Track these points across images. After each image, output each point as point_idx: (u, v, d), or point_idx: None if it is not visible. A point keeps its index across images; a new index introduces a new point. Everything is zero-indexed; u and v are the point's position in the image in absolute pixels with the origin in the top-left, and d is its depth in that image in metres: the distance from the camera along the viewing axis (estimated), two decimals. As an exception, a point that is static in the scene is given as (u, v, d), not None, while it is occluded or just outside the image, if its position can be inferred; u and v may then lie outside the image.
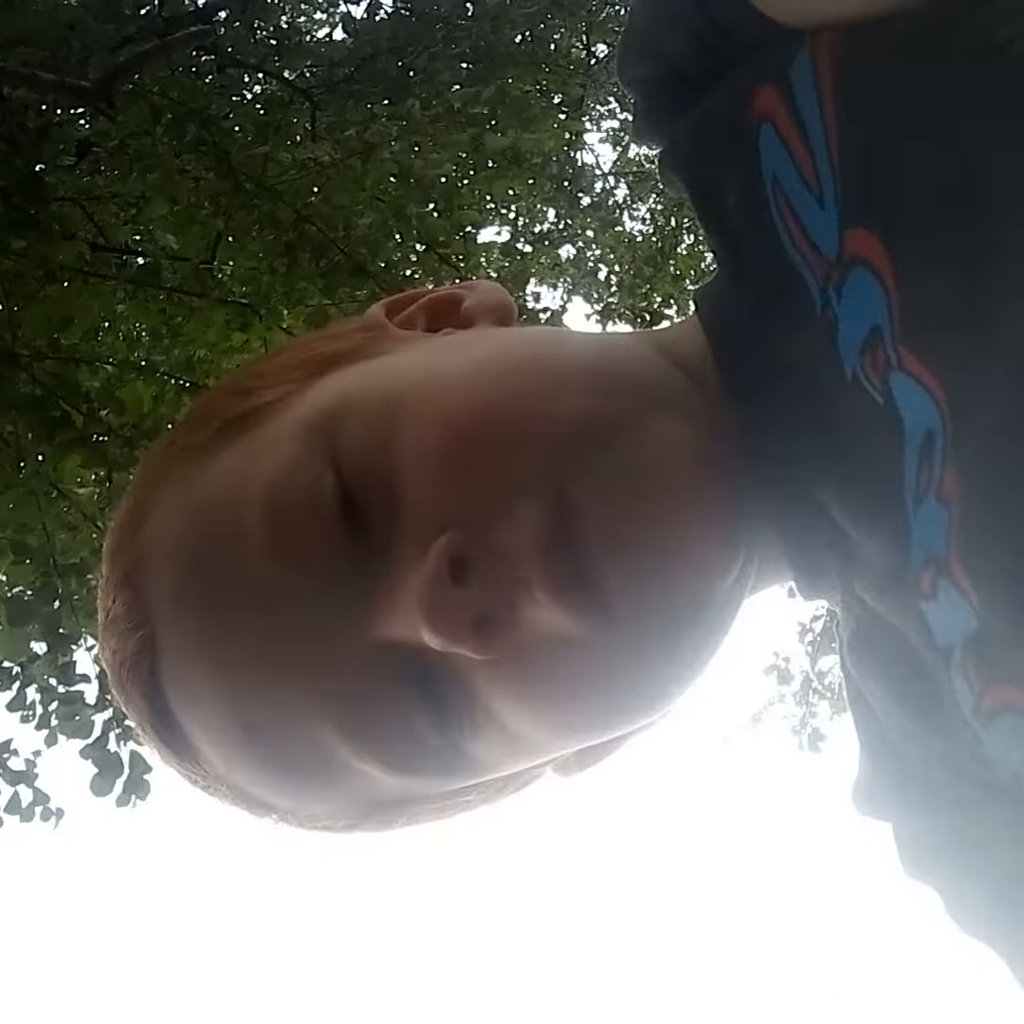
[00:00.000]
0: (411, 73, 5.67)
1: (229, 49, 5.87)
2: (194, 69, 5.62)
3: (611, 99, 6.66)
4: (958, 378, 0.40)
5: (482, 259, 5.01)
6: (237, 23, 6.03)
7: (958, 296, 0.40)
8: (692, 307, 0.56)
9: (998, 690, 0.40)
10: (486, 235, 6.07)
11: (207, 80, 5.46)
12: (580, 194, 6.81)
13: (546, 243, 6.70)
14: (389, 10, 6.37)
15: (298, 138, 4.85)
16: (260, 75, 5.93)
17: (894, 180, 0.42)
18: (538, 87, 6.11)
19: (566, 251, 6.87)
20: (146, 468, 0.57)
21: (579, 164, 6.89)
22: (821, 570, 0.51)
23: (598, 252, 6.99)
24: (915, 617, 0.44)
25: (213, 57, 5.74)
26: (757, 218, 0.48)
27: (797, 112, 0.45)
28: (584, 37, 6.72)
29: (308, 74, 6.15)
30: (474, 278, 4.06)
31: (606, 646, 0.47)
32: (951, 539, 0.40)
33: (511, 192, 5.70)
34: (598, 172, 7.04)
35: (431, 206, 4.05)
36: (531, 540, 0.46)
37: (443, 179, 4.11)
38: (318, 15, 6.86)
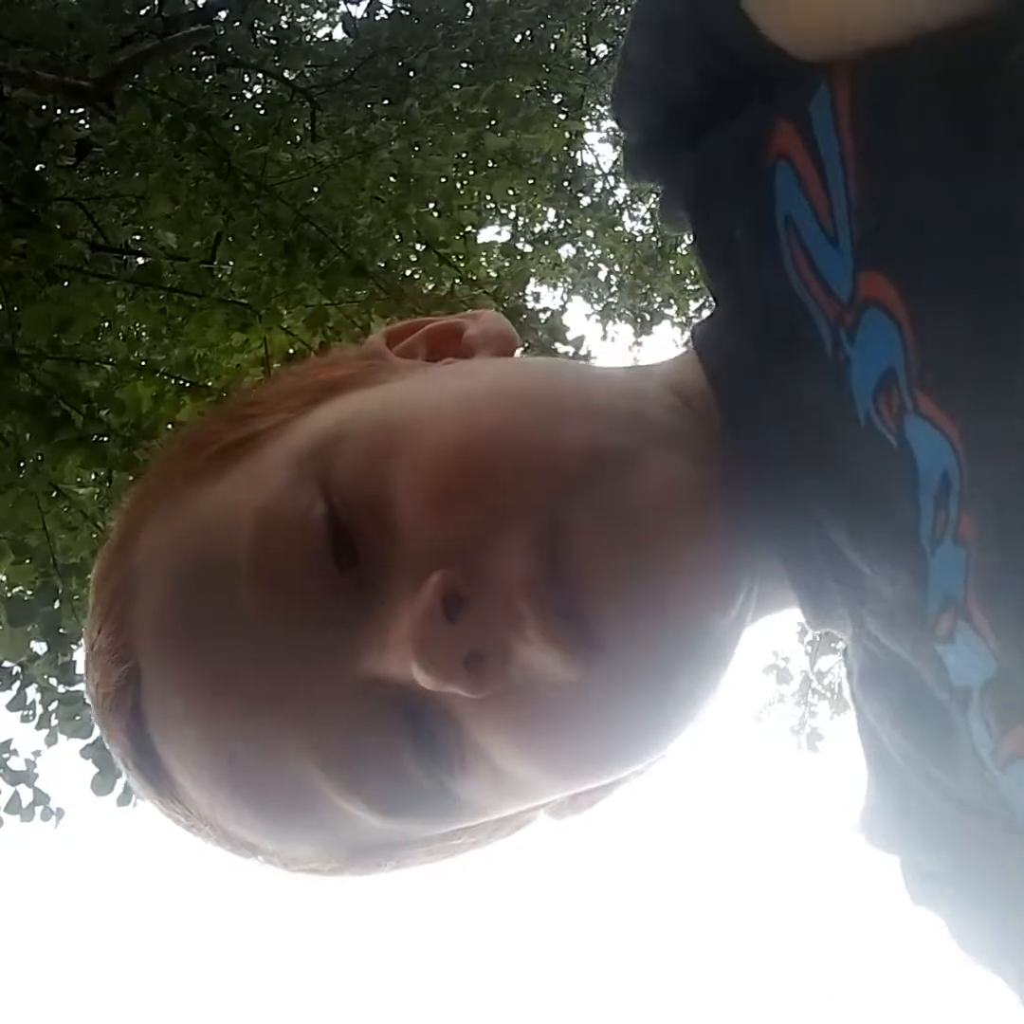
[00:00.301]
0: (411, 73, 5.67)
1: (229, 49, 5.87)
2: (194, 69, 5.63)
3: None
4: (975, 423, 0.39)
5: (482, 259, 5.01)
6: (237, 23, 6.03)
7: (977, 341, 0.39)
8: (690, 344, 0.55)
9: (1017, 734, 0.40)
10: (486, 235, 6.08)
11: (207, 80, 5.47)
12: (580, 194, 6.82)
13: (546, 243, 6.71)
14: (389, 10, 6.37)
15: (298, 138, 4.85)
16: (260, 75, 5.94)
17: (912, 221, 0.41)
18: (538, 87, 6.11)
19: (566, 251, 6.89)
20: (137, 494, 0.56)
21: (579, 164, 6.90)
22: (829, 603, 0.51)
23: (598, 252, 7.00)
24: (931, 658, 0.44)
25: (213, 57, 5.74)
26: (766, 258, 0.47)
27: (816, 150, 0.44)
28: (584, 37, 6.72)
29: (308, 74, 6.15)
30: (475, 277, 4.06)
31: (598, 685, 0.46)
32: (969, 582, 0.40)
33: (511, 192, 5.70)
34: (598, 172, 7.04)
35: (431, 206, 4.05)
36: (522, 576, 0.45)
37: (443, 179, 4.11)
38: (318, 15, 6.88)
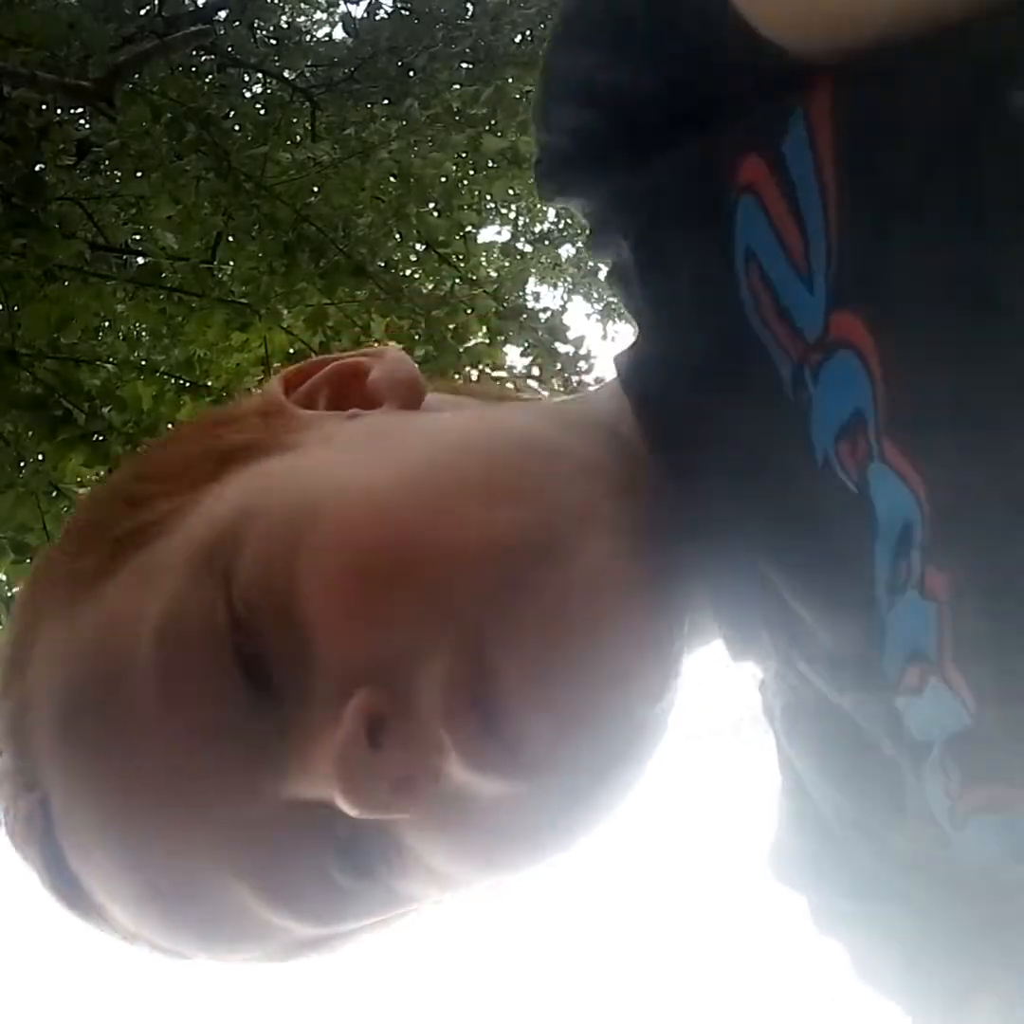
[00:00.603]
0: (411, 73, 5.68)
1: (229, 49, 5.88)
2: (194, 69, 5.63)
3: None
4: (944, 476, 0.38)
5: (482, 259, 5.01)
6: (237, 23, 6.04)
7: (952, 391, 0.37)
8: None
9: (982, 788, 0.39)
10: (486, 235, 6.08)
11: (207, 80, 5.48)
12: (580, 194, 6.82)
13: (546, 243, 6.72)
14: (389, 10, 6.38)
15: (298, 138, 4.86)
16: (260, 75, 5.94)
17: (894, 264, 0.38)
18: (538, 87, 6.11)
19: (566, 251, 6.89)
20: (31, 595, 0.51)
21: (579, 164, 6.90)
22: (753, 638, 0.49)
23: (598, 252, 7.00)
24: (883, 712, 0.43)
25: (213, 57, 5.75)
26: (719, 291, 0.44)
27: (789, 186, 0.41)
28: (584, 37, 6.71)
29: (308, 74, 6.16)
30: (475, 277, 4.06)
31: (530, 796, 0.44)
32: (942, 639, 0.39)
33: (511, 192, 5.70)
34: (598, 172, 7.04)
35: (431, 206, 4.06)
36: (442, 702, 0.42)
37: (443, 179, 4.12)
38: (318, 15, 6.88)
